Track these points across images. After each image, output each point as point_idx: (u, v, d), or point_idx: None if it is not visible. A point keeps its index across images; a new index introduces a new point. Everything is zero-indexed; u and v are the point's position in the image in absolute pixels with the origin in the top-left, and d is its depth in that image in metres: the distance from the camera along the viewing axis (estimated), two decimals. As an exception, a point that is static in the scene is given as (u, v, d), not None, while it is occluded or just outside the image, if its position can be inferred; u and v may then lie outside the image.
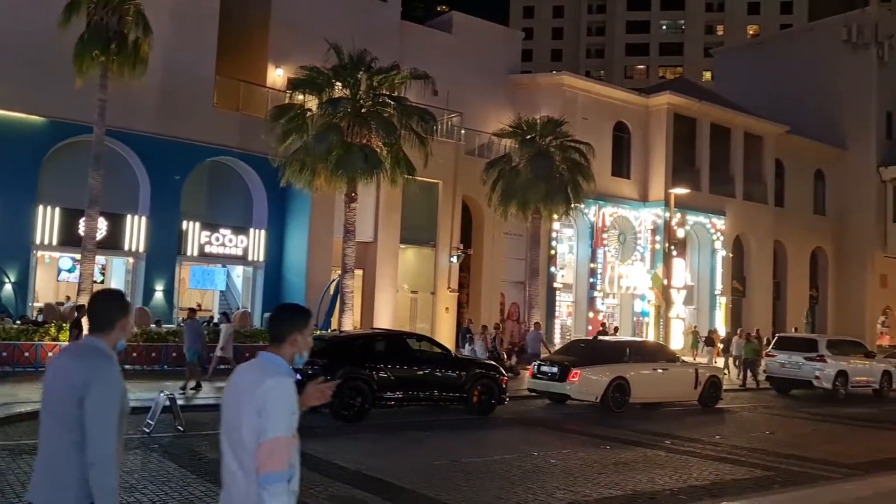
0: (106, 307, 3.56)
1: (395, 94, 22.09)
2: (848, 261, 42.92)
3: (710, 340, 29.14)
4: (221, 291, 28.45)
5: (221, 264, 26.98)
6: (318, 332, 17.82)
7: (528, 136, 26.78)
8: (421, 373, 14.46)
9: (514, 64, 36.28)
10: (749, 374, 23.65)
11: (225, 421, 3.31)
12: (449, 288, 29.50)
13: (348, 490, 8.31)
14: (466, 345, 25.29)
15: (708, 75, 72.16)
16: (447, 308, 29.43)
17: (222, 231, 25.77)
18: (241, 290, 28.15)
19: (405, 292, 29.56)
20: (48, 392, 3.46)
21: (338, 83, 21.63)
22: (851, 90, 43.09)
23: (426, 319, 29.30)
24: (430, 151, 22.31)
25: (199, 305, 26.20)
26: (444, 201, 29.29)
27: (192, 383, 16.03)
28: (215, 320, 23.00)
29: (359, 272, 25.29)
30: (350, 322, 21.91)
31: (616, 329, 32.02)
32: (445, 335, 28.74)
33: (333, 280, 24.15)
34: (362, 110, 21.57)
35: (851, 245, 42.76)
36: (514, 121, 27.54)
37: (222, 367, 17.69)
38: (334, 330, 20.59)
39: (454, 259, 29.53)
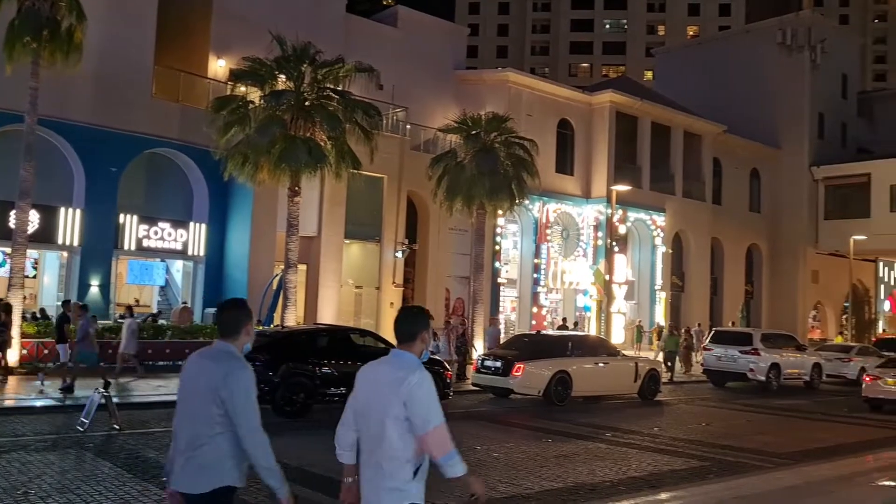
0: (234, 314, 4.07)
1: (340, 87, 21.89)
2: (781, 257, 44.28)
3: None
4: (161, 286, 27.84)
5: (160, 259, 26.38)
6: (260, 328, 17.58)
7: (474, 132, 26.84)
8: (364, 368, 14.37)
9: (459, 60, 36.35)
10: (669, 366, 23.74)
11: (363, 412, 3.89)
12: (394, 283, 29.44)
13: (290, 487, 8.19)
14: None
15: (649, 75, 73.45)
16: (392, 303, 29.35)
17: (161, 224, 25.19)
18: (181, 285, 27.59)
19: (350, 287, 29.39)
20: (188, 389, 4.00)
21: (281, 75, 21.32)
22: (785, 92, 44.40)
23: (371, 314, 29.18)
24: (376, 146, 22.17)
25: (137, 301, 25.59)
26: (389, 196, 29.21)
27: (65, 381, 14.99)
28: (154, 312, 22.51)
29: (302, 267, 25.03)
30: (293, 317, 21.66)
31: (576, 324, 32.49)
32: (391, 330, 28.57)
33: (276, 275, 23.86)
34: (306, 103, 21.31)
35: (785, 242, 44.12)
36: (460, 116, 27.59)
37: (127, 365, 17.17)
38: (277, 325, 20.33)
39: (399, 254, 29.48)
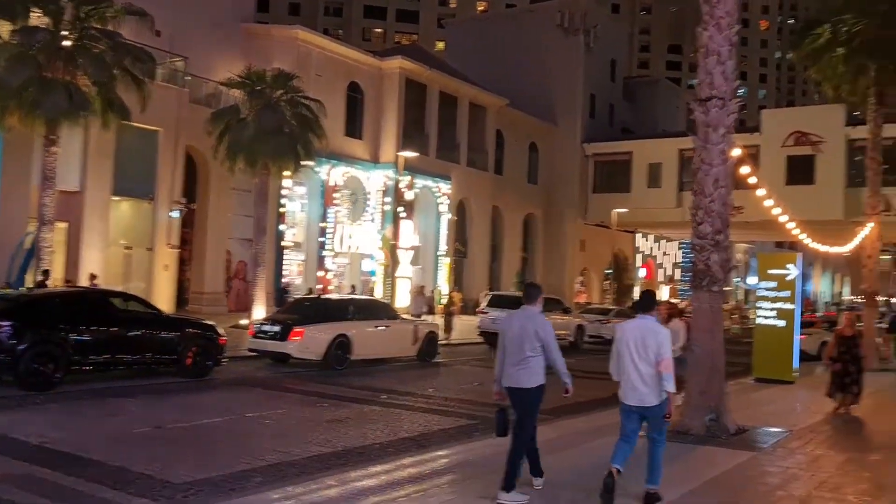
0: (533, 291, 7.07)
1: (108, 29, 20.02)
2: (554, 226, 47.29)
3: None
4: None
5: None
6: (6, 291, 15.80)
7: (258, 88, 25.74)
8: (128, 334, 13.37)
9: (247, 12, 34.66)
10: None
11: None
12: (169, 244, 27.76)
13: (25, 468, 7.40)
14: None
15: (441, 45, 74.78)
16: (167, 266, 27.70)
17: None
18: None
19: (119, 248, 27.33)
20: (514, 333, 6.85)
21: (36, 9, 19.07)
22: (562, 72, 47.09)
23: (143, 278, 27.34)
24: (148, 95, 20.60)
25: None
26: (164, 151, 27.39)
27: None
28: None
29: (62, 225, 22.89)
30: (50, 281, 19.71)
31: (371, 290, 32.55)
32: (165, 294, 27.11)
33: (29, 233, 21.55)
34: (65, 43, 19.25)
35: (557, 212, 47.14)
36: (244, 71, 26.34)
37: None
38: (28, 288, 18.38)
39: (175, 214, 27.81)
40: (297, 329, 16.13)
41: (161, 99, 25.43)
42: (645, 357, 6.60)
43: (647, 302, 7.05)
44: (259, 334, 16.83)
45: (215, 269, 30.79)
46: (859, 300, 69.33)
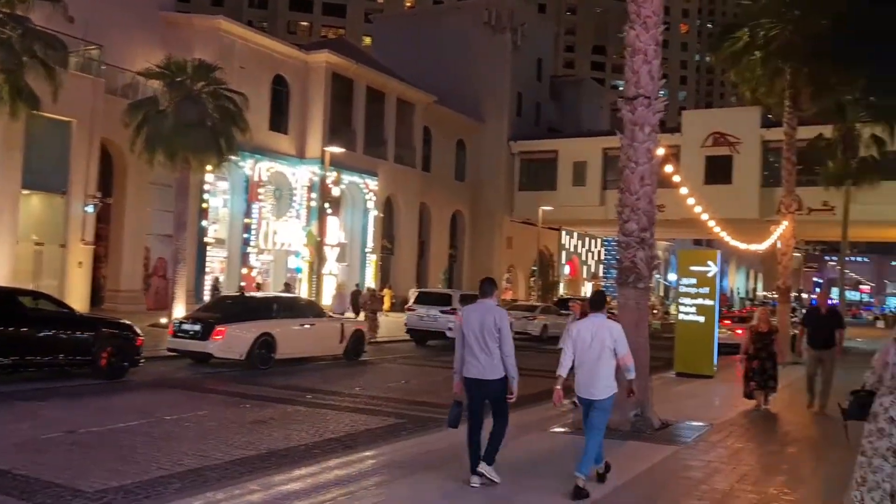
0: (489, 285, 7.28)
1: (17, 13, 19.01)
2: (481, 223, 47.56)
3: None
4: None
5: None
6: None
7: (179, 79, 24.92)
8: (38, 335, 12.71)
9: (167, 1, 33.59)
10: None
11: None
12: (83, 240, 26.63)
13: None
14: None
15: (368, 41, 74.19)
16: (80, 262, 26.58)
17: None
18: None
19: (29, 244, 26.07)
20: (475, 326, 7.00)
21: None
22: (490, 69, 47.36)
23: (55, 275, 26.16)
24: (60, 84, 19.68)
25: None
26: (78, 143, 26.25)
27: None
28: None
29: (-33, 219, 21.66)
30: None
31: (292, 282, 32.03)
32: (79, 292, 26.03)
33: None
34: (-32, 27, 18.21)
35: (484, 209, 47.42)
36: (164, 61, 25.46)
37: None
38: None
39: (90, 208, 26.70)
40: (218, 328, 15.66)
41: (74, 89, 24.39)
42: (599, 352, 7.04)
43: (599, 301, 7.59)
44: (179, 333, 16.27)
45: (133, 266, 29.76)
46: (773, 296, 71.97)
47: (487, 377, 6.96)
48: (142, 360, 14.52)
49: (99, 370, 13.54)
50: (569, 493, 6.79)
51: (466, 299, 25.09)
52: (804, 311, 16.65)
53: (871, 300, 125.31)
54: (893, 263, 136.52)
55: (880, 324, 68.53)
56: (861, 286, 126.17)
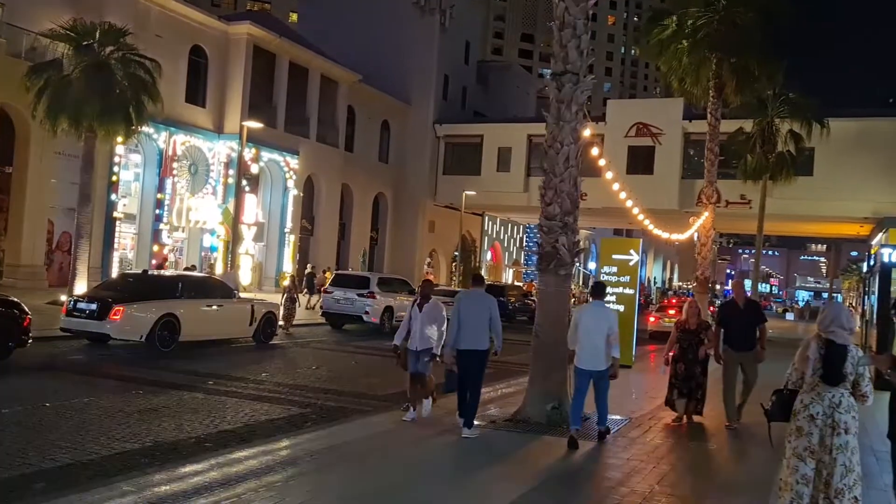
0: (480, 279, 9.76)
1: None
2: (404, 207, 46.86)
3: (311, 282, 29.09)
4: None
5: None
6: None
7: (85, 43, 23.35)
8: None
9: (78, -40, 31.52)
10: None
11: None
12: (-23, 211, 24.87)
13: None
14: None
15: (295, 17, 72.30)
16: (-27, 235, 24.82)
17: None
18: None
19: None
20: (472, 309, 8.93)
21: None
22: (417, 51, 46.55)
23: (-57, 248, 24.34)
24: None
25: None
26: (-26, 107, 24.44)
27: None
28: None
29: None
30: None
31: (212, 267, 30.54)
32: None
33: None
34: None
35: (408, 193, 46.71)
36: (69, 22, 23.80)
37: None
38: None
39: (-15, 177, 24.93)
40: (116, 307, 14.61)
41: (-30, 48, 22.68)
42: (599, 332, 8.69)
43: (600, 290, 9.49)
44: (74, 312, 15.13)
45: (34, 240, 27.95)
46: (690, 286, 73.75)
47: (478, 348, 8.91)
48: (30, 341, 13.35)
49: (-22, 351, 12.38)
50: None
51: (385, 282, 24.52)
52: (718, 303, 14.45)
53: (780, 292, 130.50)
54: (802, 258, 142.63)
55: (789, 315, 71.25)
56: (771, 278, 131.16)
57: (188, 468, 6.68)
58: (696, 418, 10.47)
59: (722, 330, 10.52)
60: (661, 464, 8.05)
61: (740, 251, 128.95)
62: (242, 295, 20.72)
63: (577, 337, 8.78)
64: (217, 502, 5.80)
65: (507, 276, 56.70)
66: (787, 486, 5.36)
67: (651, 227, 22.38)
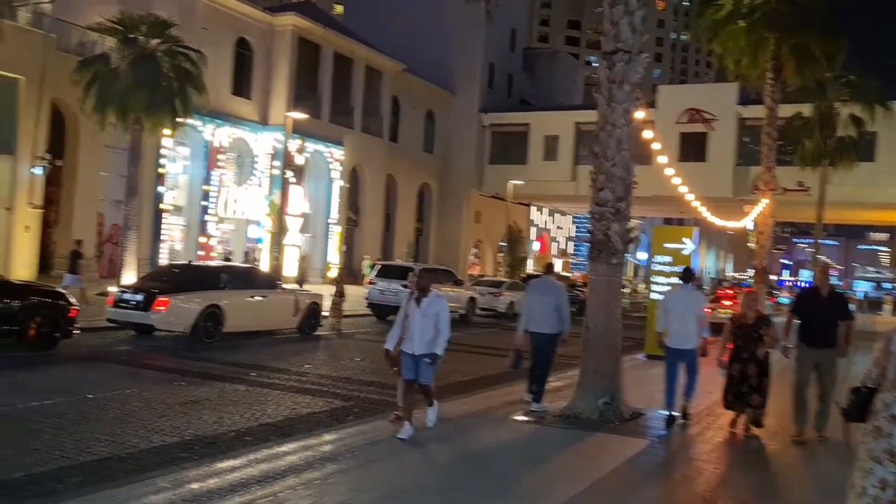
0: (550, 268, 10.86)
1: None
2: (449, 197, 46.52)
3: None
4: None
5: None
6: None
7: (132, 36, 23.49)
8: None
9: (126, -44, 31.83)
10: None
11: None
12: (31, 203, 25.28)
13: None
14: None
15: (340, 9, 72.36)
16: (28, 227, 25.23)
17: None
18: None
19: (-30, 206, 24.64)
20: (539, 297, 9.66)
21: None
22: (462, 39, 46.08)
23: (0, 239, 24.79)
24: (1, 35, 18.27)
25: None
26: (26, 101, 24.84)
27: None
28: None
29: None
30: None
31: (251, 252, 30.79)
32: (25, 257, 24.81)
33: None
34: None
35: (453, 183, 46.35)
36: (116, 16, 23.96)
37: None
38: None
39: (38, 170, 25.29)
40: (161, 298, 14.58)
41: (23, 45, 23.02)
42: (689, 313, 9.18)
43: (689, 274, 9.95)
44: (119, 303, 15.15)
45: (85, 232, 28.28)
46: (742, 277, 71.94)
47: (545, 331, 9.53)
48: (76, 331, 13.41)
49: (26, 341, 12.44)
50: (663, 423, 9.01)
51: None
52: (797, 292, 11.03)
53: (840, 283, 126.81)
54: (860, 247, 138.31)
55: (851, 306, 68.88)
56: (830, 268, 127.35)
57: (225, 463, 6.44)
58: (753, 430, 8.92)
59: (797, 322, 8.95)
60: (721, 464, 7.56)
61: (796, 240, 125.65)
62: (287, 286, 20.59)
63: (667, 319, 9.30)
64: (252, 501, 5.54)
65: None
66: (861, 490, 4.87)
67: (707, 214, 21.60)
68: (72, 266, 20.29)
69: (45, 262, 26.90)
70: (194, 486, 5.79)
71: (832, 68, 23.03)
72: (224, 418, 8.62)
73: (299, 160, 34.39)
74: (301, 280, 27.08)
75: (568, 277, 41.95)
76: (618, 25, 9.08)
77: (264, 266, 30.95)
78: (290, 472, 6.30)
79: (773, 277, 76.09)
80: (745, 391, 8.81)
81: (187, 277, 16.06)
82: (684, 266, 11.20)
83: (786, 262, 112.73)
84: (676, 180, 18.86)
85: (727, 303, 25.88)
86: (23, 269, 24.52)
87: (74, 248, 21.13)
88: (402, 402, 8.02)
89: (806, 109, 28.18)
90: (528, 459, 7.35)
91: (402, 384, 7.97)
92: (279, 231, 30.58)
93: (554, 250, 57.28)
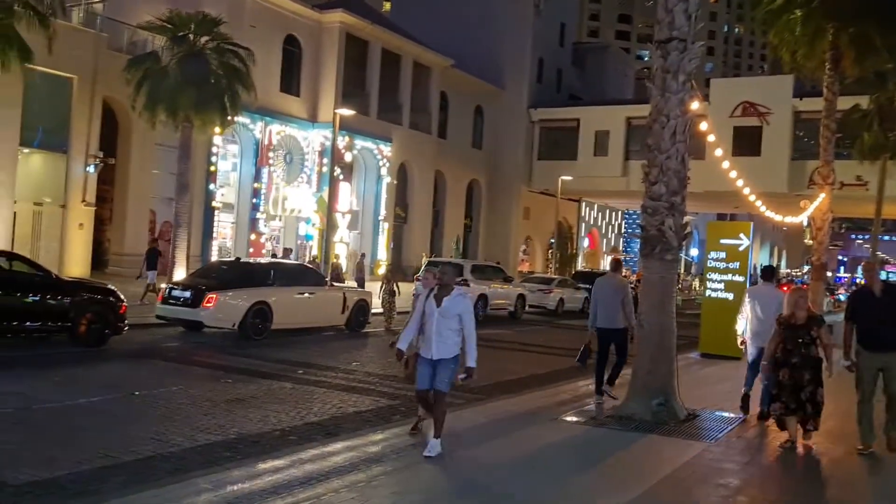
0: (617, 265, 10.83)
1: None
2: (498, 193, 46.17)
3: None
4: None
5: None
6: None
7: (181, 34, 23.75)
8: (9, 299, 11.75)
9: (176, -45, 32.26)
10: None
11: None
12: (84, 201, 25.83)
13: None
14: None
15: (388, 5, 72.52)
16: (81, 224, 25.79)
17: None
18: None
19: (28, 204, 25.24)
20: (607, 292, 10.09)
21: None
22: (511, 34, 45.63)
23: (55, 237, 25.37)
24: (54, 33, 18.57)
25: None
26: (79, 100, 25.37)
27: None
28: None
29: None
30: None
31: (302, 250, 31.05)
32: (79, 255, 25.35)
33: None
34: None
35: (502, 179, 45.98)
36: (165, 14, 24.25)
37: None
38: None
39: (91, 168, 25.83)
40: (210, 294, 14.65)
41: (75, 44, 23.46)
42: (771, 309, 9.05)
43: (769, 272, 10.33)
44: (169, 300, 15.29)
45: (138, 229, 28.84)
46: (798, 273, 69.95)
47: (612, 326, 9.94)
48: (126, 328, 13.54)
49: (77, 337, 12.60)
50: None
51: (478, 270, 23.99)
52: (852, 291, 9.55)
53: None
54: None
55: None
56: (886, 265, 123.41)
57: (269, 464, 6.32)
58: (806, 441, 8.07)
59: (854, 326, 7.95)
60: (786, 470, 7.17)
61: (853, 236, 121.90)
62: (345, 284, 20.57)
63: (753, 315, 9.60)
64: (295, 503, 5.40)
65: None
66: None
67: (764, 209, 20.94)
68: (151, 262, 21.43)
69: (97, 259, 27.44)
70: (235, 487, 5.68)
71: (894, 58, 22.06)
72: (269, 416, 8.54)
73: (348, 157, 34.49)
74: (360, 279, 27.08)
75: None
76: (672, 13, 8.72)
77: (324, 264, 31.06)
78: (334, 473, 6.16)
79: (830, 274, 73.99)
80: (798, 400, 7.87)
81: (236, 274, 16.13)
82: (766, 265, 11.46)
83: (842, 258, 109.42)
84: (732, 174, 18.22)
85: None
86: (77, 265, 25.05)
87: (152, 246, 22.47)
88: (423, 414, 7.47)
89: (864, 101, 27.19)
90: (579, 462, 7.09)
91: (417, 395, 7.31)
92: (328, 228, 30.70)
93: (604, 247, 56.51)
